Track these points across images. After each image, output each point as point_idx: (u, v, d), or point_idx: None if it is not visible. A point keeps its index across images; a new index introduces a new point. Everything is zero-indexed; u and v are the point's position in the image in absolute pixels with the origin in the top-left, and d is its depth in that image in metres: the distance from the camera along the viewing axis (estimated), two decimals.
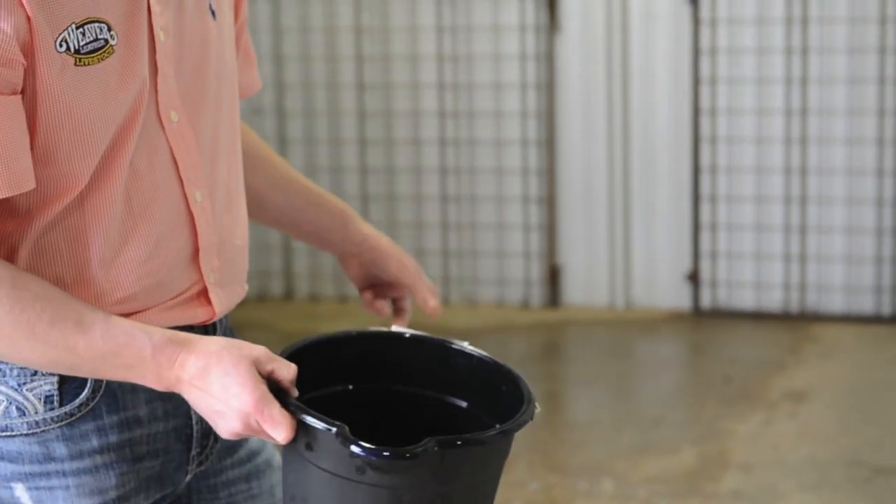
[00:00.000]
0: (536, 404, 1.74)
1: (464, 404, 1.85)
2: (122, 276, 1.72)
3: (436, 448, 1.61)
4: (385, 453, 1.59)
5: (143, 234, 1.73)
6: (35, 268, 1.68)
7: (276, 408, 1.61)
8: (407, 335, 1.90)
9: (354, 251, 2.12)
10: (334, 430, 1.60)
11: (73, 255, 1.70)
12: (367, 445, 1.59)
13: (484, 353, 1.86)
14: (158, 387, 1.66)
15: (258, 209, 2.06)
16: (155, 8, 1.70)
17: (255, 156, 2.06)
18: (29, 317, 1.61)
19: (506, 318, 6.08)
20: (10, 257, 1.68)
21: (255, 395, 1.60)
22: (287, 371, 1.65)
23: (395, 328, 1.95)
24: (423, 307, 2.11)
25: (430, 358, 1.88)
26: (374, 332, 1.89)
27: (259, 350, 1.65)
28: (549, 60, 6.03)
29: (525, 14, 6.01)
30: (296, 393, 1.66)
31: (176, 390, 1.66)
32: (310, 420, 1.61)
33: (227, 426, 1.64)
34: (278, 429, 1.61)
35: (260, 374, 1.63)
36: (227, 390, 1.62)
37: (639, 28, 5.94)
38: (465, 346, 1.87)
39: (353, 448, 1.59)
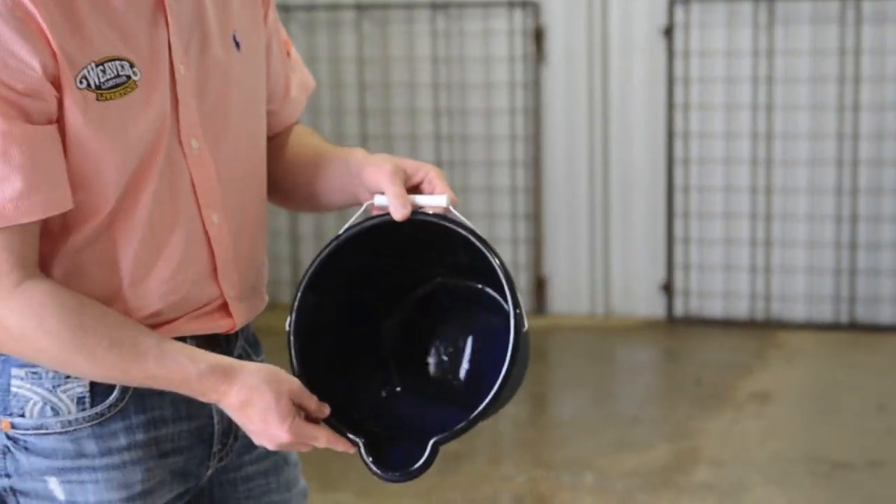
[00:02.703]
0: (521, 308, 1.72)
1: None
2: (148, 295, 1.73)
3: (434, 450, 1.65)
4: (391, 476, 1.68)
5: (167, 255, 1.74)
6: (70, 288, 1.68)
7: (308, 429, 1.71)
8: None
9: (360, 185, 1.85)
10: (359, 442, 1.72)
11: (104, 277, 1.71)
12: (376, 471, 1.70)
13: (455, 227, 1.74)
14: (202, 400, 1.73)
15: (283, 199, 1.99)
16: (175, 45, 1.71)
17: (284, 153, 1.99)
18: (89, 340, 1.64)
19: None
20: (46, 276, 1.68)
21: (292, 429, 1.69)
22: (314, 404, 1.73)
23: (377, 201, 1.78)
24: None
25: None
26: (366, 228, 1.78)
27: (295, 384, 1.72)
28: (535, 88, 6.04)
29: (514, 46, 6.02)
30: (326, 412, 1.73)
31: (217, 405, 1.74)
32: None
33: (262, 444, 1.73)
34: (314, 444, 1.73)
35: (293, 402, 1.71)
36: (266, 422, 1.69)
37: (618, 59, 5.95)
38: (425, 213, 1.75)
39: (371, 466, 1.70)
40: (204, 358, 1.69)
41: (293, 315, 1.76)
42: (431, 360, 1.87)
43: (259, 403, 1.68)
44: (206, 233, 1.78)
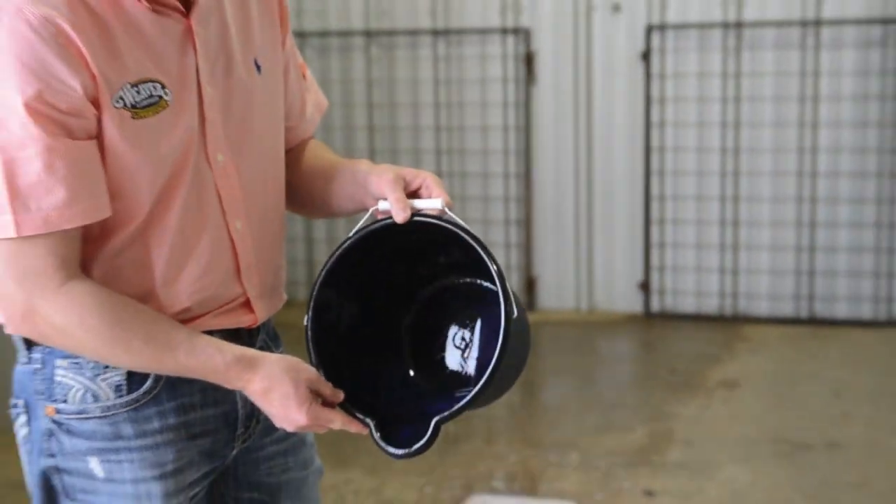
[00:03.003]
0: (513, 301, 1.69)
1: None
2: (179, 293, 1.73)
3: (437, 429, 1.64)
4: (398, 452, 1.68)
5: (195, 258, 1.74)
6: (108, 288, 1.67)
7: (324, 413, 1.72)
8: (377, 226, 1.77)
9: (366, 192, 1.84)
10: (370, 423, 1.72)
11: (139, 278, 1.71)
12: (386, 448, 1.70)
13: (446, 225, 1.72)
14: (228, 387, 1.74)
15: (299, 206, 1.99)
16: (203, 68, 1.71)
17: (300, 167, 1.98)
18: (127, 335, 1.65)
19: None
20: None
21: (309, 413, 1.71)
22: (329, 390, 1.74)
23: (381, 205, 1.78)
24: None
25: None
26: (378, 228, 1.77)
27: (312, 372, 1.73)
28: (526, 107, 6.05)
29: (507, 69, 6.03)
30: (341, 397, 1.74)
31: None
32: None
33: (282, 426, 1.74)
34: (330, 426, 1.73)
35: (310, 389, 1.73)
36: (286, 408, 1.70)
37: (600, 81, 5.95)
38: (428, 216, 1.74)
39: (380, 443, 1.69)
40: (230, 350, 1.70)
41: (310, 311, 1.77)
42: (445, 351, 1.87)
43: (279, 390, 1.69)
44: (230, 238, 1.78)
